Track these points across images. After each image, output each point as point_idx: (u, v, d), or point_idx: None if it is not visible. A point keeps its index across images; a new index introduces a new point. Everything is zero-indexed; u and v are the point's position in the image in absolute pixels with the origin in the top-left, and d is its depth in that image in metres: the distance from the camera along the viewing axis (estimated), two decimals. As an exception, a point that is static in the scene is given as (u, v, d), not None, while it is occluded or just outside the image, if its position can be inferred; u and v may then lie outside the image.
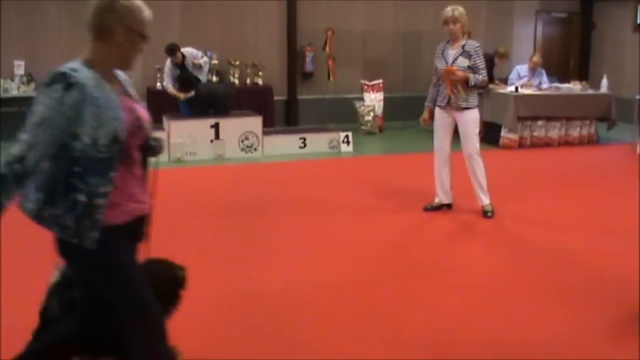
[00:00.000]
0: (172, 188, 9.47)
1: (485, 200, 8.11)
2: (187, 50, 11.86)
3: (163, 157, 10.70)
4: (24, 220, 3.23)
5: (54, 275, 3.78)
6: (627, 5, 16.87)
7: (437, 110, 8.01)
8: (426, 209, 8.25)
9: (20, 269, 5.93)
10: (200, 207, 8.48)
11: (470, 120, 7.87)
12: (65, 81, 3.05)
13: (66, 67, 3.12)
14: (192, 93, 11.74)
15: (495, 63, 13.51)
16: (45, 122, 3.02)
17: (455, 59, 7.76)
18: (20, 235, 5.14)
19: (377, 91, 14.52)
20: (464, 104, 7.80)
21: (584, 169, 11.38)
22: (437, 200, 8.30)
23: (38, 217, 3.19)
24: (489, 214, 8.06)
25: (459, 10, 7.76)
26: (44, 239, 3.42)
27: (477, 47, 7.83)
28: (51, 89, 3.04)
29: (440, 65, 7.88)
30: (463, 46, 7.80)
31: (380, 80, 14.60)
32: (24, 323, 3.87)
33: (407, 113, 15.39)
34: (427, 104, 8.24)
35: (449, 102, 7.82)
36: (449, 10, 7.77)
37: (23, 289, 5.20)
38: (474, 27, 15.85)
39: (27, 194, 3.18)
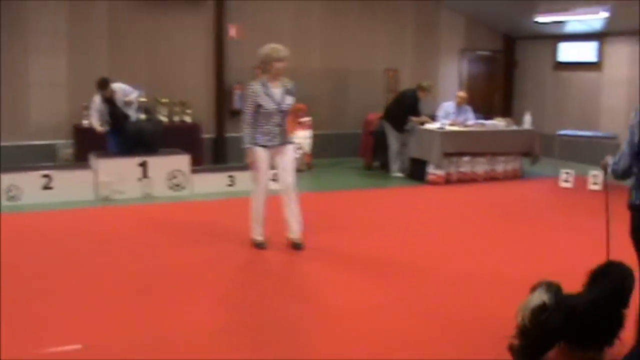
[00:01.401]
0: (97, 227, 9.42)
1: (298, 233, 8.26)
2: (117, 86, 11.76)
3: (89, 196, 10.69)
4: None
5: (539, 295, 4.76)
6: (547, 43, 17.28)
7: (262, 150, 8.01)
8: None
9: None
10: (120, 246, 8.41)
11: (292, 153, 8.22)
12: None
13: None
14: (107, 128, 11.68)
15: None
16: None
17: (284, 98, 8.00)
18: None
19: (306, 129, 14.57)
20: (290, 139, 8.24)
21: (505, 204, 11.63)
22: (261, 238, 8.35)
23: None
24: (300, 246, 8.21)
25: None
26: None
27: (294, 85, 8.19)
28: None
29: (268, 104, 7.91)
30: (285, 85, 8.08)
31: (308, 118, 14.67)
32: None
33: (335, 150, 15.57)
34: (249, 145, 8.02)
35: (280, 140, 8.02)
36: (282, 49, 8.08)
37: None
38: (400, 64, 16.19)
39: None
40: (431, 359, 5.22)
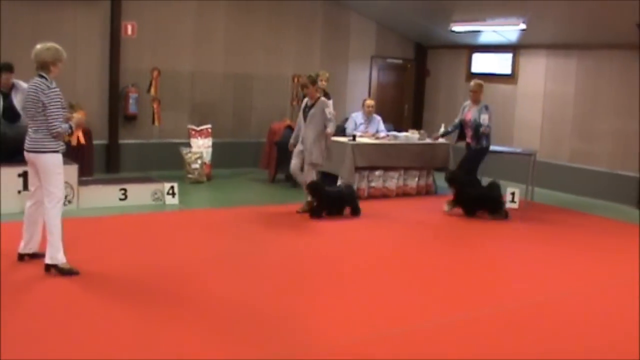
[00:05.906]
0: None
1: (54, 258, 7.24)
2: (21, 82, 10.45)
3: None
4: None
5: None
6: (460, 53, 16.73)
7: None
8: None
9: None
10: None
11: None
12: None
13: None
14: None
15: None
16: None
17: None
18: None
19: (206, 137, 13.55)
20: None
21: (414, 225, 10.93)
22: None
23: None
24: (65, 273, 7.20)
25: None
26: None
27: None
28: None
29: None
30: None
31: (208, 125, 13.66)
32: None
33: (236, 160, 14.63)
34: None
35: None
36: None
37: None
38: (308, 70, 15.25)
39: None
40: None
